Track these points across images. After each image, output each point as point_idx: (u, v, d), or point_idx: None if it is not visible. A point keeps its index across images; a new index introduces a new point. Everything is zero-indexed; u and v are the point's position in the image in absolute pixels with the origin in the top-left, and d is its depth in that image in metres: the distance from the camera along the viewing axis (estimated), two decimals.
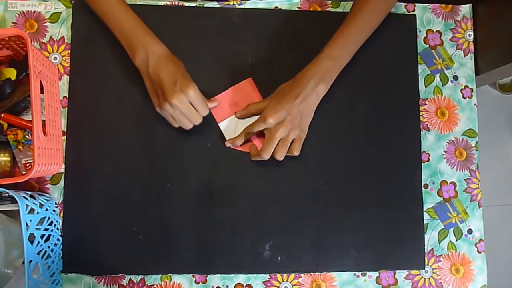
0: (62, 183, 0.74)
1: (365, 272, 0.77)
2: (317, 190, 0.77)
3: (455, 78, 0.83)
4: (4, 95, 0.70)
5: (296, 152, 0.73)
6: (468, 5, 0.85)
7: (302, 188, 0.77)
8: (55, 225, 0.71)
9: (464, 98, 0.82)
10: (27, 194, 0.65)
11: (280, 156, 0.72)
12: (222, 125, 0.77)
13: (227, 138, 0.76)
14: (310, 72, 0.71)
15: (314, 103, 0.73)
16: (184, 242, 0.75)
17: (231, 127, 0.77)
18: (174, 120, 0.71)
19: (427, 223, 0.79)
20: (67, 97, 0.76)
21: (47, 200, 0.70)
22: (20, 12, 0.77)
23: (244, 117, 0.76)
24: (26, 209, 0.61)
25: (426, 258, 0.78)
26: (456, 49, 0.83)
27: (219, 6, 0.80)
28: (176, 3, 0.80)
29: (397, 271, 0.78)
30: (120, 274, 0.74)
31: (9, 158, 0.71)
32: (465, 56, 0.83)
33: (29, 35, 0.76)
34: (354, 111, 0.79)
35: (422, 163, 0.80)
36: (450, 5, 0.84)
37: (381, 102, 0.80)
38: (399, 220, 0.78)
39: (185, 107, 0.68)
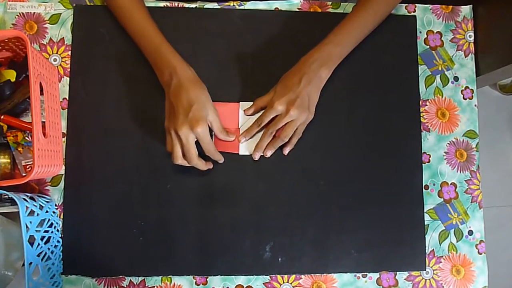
0: (62, 184, 0.74)
1: (365, 273, 0.77)
2: (318, 191, 0.77)
3: (456, 79, 0.82)
4: (3, 96, 0.70)
5: (297, 137, 0.74)
6: (468, 6, 0.85)
7: (303, 189, 0.77)
8: (55, 227, 0.71)
9: (465, 99, 0.82)
10: (27, 196, 0.65)
11: (285, 137, 0.72)
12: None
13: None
14: (312, 56, 0.72)
15: (318, 86, 0.73)
16: (184, 243, 0.75)
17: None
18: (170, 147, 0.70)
19: (428, 224, 0.79)
20: (67, 98, 0.76)
21: (47, 201, 0.70)
22: (19, 14, 0.77)
23: (253, 114, 0.76)
24: (26, 211, 0.61)
25: (426, 259, 0.78)
26: (456, 50, 0.83)
27: (219, 7, 0.80)
28: (176, 4, 0.80)
29: (397, 272, 0.78)
30: (121, 276, 0.74)
31: (9, 160, 0.71)
32: (465, 57, 0.83)
33: (28, 36, 0.76)
34: (354, 112, 0.79)
35: (423, 164, 0.80)
36: (451, 6, 0.84)
37: (381, 103, 0.80)
38: (399, 221, 0.78)
39: (188, 142, 0.67)
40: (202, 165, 0.71)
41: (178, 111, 0.67)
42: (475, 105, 0.82)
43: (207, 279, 0.75)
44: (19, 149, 0.72)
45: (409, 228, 0.78)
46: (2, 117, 0.70)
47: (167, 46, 0.71)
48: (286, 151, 0.76)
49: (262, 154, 0.76)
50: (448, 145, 0.81)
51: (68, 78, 0.77)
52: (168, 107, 0.70)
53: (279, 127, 0.72)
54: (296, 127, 0.72)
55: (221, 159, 0.74)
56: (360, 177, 0.78)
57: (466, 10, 0.84)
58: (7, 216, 0.65)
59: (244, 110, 0.76)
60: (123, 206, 0.74)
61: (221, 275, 0.75)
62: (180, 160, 0.69)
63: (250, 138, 0.76)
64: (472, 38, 0.84)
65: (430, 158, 0.80)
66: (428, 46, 0.83)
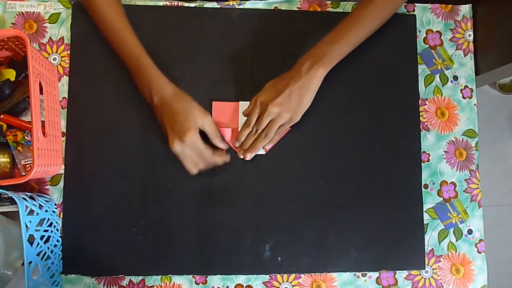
0: (61, 184, 0.74)
1: (365, 272, 0.77)
2: (317, 190, 0.77)
3: (455, 78, 0.82)
4: (3, 96, 0.70)
5: (277, 136, 0.74)
6: (468, 5, 0.84)
7: (302, 188, 0.77)
8: (54, 226, 0.71)
9: (464, 98, 0.82)
10: (27, 195, 0.65)
11: (267, 135, 0.72)
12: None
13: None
14: (306, 56, 0.72)
15: (309, 86, 0.71)
16: (184, 242, 0.75)
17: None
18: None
19: (427, 223, 0.79)
20: (67, 98, 0.76)
21: (46, 201, 0.70)
22: (19, 13, 0.77)
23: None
24: (25, 210, 0.61)
25: (426, 258, 0.78)
26: (456, 49, 0.83)
27: (218, 6, 0.80)
28: (176, 4, 0.79)
29: (397, 272, 0.78)
30: (120, 275, 0.74)
31: (8, 159, 0.71)
32: (465, 56, 0.83)
33: (28, 36, 0.76)
34: (354, 112, 0.79)
35: (422, 163, 0.80)
36: (450, 5, 0.84)
37: (381, 102, 0.80)
38: (399, 221, 0.78)
39: (185, 153, 0.68)
40: (219, 159, 0.72)
41: (167, 129, 0.68)
42: (475, 104, 0.82)
43: (207, 278, 0.75)
44: (19, 148, 0.72)
45: (409, 227, 0.78)
46: (1, 116, 0.70)
47: (145, 59, 0.70)
48: (267, 147, 0.76)
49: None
50: (447, 144, 0.81)
51: (67, 77, 0.76)
52: (161, 127, 0.71)
53: (265, 126, 0.73)
54: (277, 126, 0.72)
55: (227, 159, 0.74)
56: (360, 176, 0.78)
57: (465, 9, 0.84)
58: (7, 215, 0.65)
59: (243, 112, 0.76)
60: (122, 205, 0.74)
61: (220, 274, 0.75)
62: (195, 170, 0.70)
63: (244, 139, 0.75)
64: (472, 37, 0.84)
65: (430, 157, 0.80)
66: (428, 45, 0.83)
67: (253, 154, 0.75)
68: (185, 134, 0.67)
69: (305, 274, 0.76)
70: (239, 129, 0.76)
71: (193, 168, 0.70)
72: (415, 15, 0.83)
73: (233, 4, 0.80)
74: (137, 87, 0.72)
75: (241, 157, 0.75)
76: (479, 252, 0.80)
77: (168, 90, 0.69)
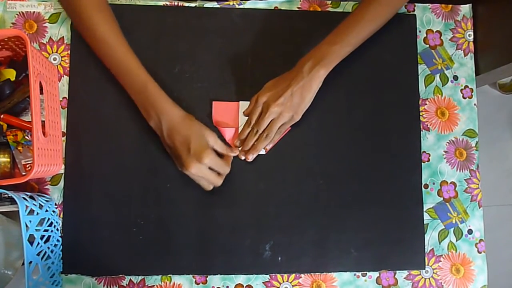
0: (61, 184, 0.74)
1: (365, 272, 0.77)
2: (317, 190, 0.77)
3: (455, 78, 0.82)
4: (3, 96, 0.70)
5: (278, 136, 0.74)
6: (468, 5, 0.84)
7: (302, 188, 0.77)
8: (54, 226, 0.71)
9: (464, 98, 0.82)
10: (27, 195, 0.65)
11: (268, 135, 0.73)
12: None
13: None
14: (307, 56, 0.72)
15: (310, 87, 0.71)
16: (184, 242, 0.75)
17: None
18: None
19: (427, 223, 0.79)
20: (67, 97, 0.76)
21: (46, 201, 0.70)
22: (19, 13, 0.77)
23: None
24: (25, 210, 0.61)
25: (426, 258, 0.78)
26: (456, 49, 0.83)
27: (218, 6, 0.80)
28: (176, 3, 0.79)
29: (397, 271, 0.78)
30: (120, 275, 0.74)
31: (8, 159, 0.71)
32: (465, 56, 0.83)
33: (28, 35, 0.76)
34: (354, 111, 0.79)
35: (422, 163, 0.80)
36: (450, 5, 0.84)
37: (381, 102, 0.80)
38: (399, 220, 0.78)
39: (203, 173, 0.69)
40: (228, 168, 0.73)
41: (179, 152, 0.68)
42: (475, 104, 0.82)
43: (207, 278, 0.75)
44: (19, 148, 0.72)
45: (409, 227, 0.78)
46: (2, 116, 0.70)
47: (152, 85, 0.69)
48: (267, 147, 0.76)
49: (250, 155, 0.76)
50: (447, 144, 0.81)
51: (67, 77, 0.76)
52: (170, 151, 0.71)
53: (266, 126, 0.73)
54: (278, 126, 0.73)
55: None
56: (360, 176, 0.78)
57: (465, 9, 0.84)
58: (7, 215, 0.65)
59: (243, 112, 0.76)
60: (122, 205, 0.74)
61: (220, 274, 0.75)
62: (211, 187, 0.72)
63: (245, 139, 0.75)
64: (472, 37, 0.84)
65: (430, 157, 0.80)
66: (428, 45, 0.83)
67: (255, 155, 0.75)
68: (202, 154, 0.67)
69: (305, 274, 0.76)
70: (240, 129, 0.76)
71: (209, 186, 0.72)
72: (415, 15, 0.83)
73: (233, 4, 0.80)
74: (141, 112, 0.71)
75: (243, 158, 0.75)
76: (479, 252, 0.80)
77: (179, 114, 0.69)
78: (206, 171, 0.69)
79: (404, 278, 0.78)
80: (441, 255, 0.79)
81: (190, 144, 0.67)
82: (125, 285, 0.74)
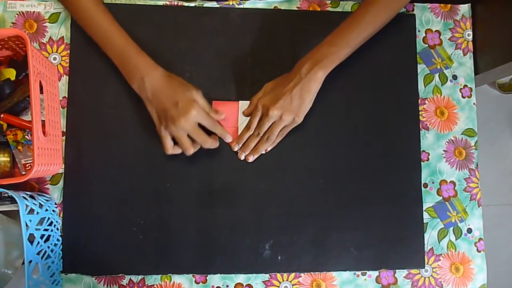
0: (61, 183, 0.74)
1: (365, 271, 0.77)
2: (317, 190, 0.77)
3: (454, 77, 0.83)
4: (3, 95, 0.70)
5: (280, 138, 0.75)
6: (467, 4, 0.85)
7: (302, 187, 0.77)
8: (55, 225, 0.71)
9: (464, 97, 0.82)
10: (27, 194, 0.65)
11: (269, 138, 0.73)
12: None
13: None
14: (306, 57, 0.72)
15: (310, 88, 0.71)
16: (184, 242, 0.75)
17: None
18: (172, 145, 0.71)
19: (427, 222, 0.79)
20: (67, 97, 0.76)
21: (46, 200, 0.70)
22: (19, 12, 0.77)
23: (250, 113, 0.76)
24: (26, 209, 0.61)
25: (426, 257, 0.78)
26: (455, 49, 0.83)
27: (218, 6, 0.80)
28: (176, 3, 0.80)
29: (397, 270, 0.78)
30: (120, 274, 0.74)
31: (8, 159, 0.71)
32: (464, 55, 0.83)
33: (28, 35, 0.76)
34: (353, 111, 0.79)
35: (422, 163, 0.80)
36: (449, 5, 0.84)
37: (380, 101, 0.80)
38: (399, 220, 0.78)
39: (191, 127, 0.68)
40: (214, 143, 0.72)
41: (166, 108, 0.67)
42: (474, 104, 0.83)
43: (207, 278, 0.75)
44: (19, 147, 0.72)
45: (408, 226, 0.78)
46: (2, 115, 0.70)
47: (132, 46, 0.70)
48: (268, 148, 0.76)
49: (246, 155, 0.76)
50: (447, 143, 0.81)
51: (67, 77, 0.77)
52: (155, 113, 0.70)
53: (266, 129, 0.73)
54: (280, 129, 0.73)
55: (229, 138, 0.75)
56: (359, 176, 0.78)
57: (464, 8, 0.85)
58: (7, 214, 0.65)
59: (243, 112, 0.76)
60: (122, 205, 0.75)
61: (220, 274, 0.75)
62: (191, 151, 0.70)
63: (243, 143, 0.76)
64: (471, 36, 0.84)
65: (429, 157, 0.80)
66: (427, 45, 0.83)
67: (255, 157, 0.75)
68: (190, 107, 0.67)
69: (305, 273, 0.76)
70: (239, 128, 0.76)
71: (190, 149, 0.70)
72: (414, 14, 0.83)
73: (232, 4, 0.80)
74: (126, 77, 0.71)
75: (243, 158, 0.75)
76: (479, 251, 0.80)
77: (162, 73, 0.70)
78: (194, 125, 0.69)
79: (404, 277, 0.78)
80: (441, 254, 0.79)
81: (177, 98, 0.67)
82: (125, 284, 0.74)
